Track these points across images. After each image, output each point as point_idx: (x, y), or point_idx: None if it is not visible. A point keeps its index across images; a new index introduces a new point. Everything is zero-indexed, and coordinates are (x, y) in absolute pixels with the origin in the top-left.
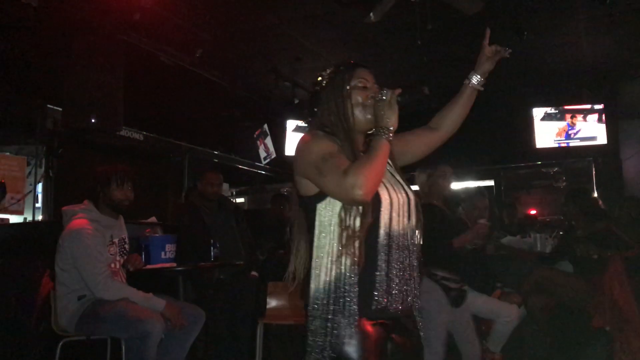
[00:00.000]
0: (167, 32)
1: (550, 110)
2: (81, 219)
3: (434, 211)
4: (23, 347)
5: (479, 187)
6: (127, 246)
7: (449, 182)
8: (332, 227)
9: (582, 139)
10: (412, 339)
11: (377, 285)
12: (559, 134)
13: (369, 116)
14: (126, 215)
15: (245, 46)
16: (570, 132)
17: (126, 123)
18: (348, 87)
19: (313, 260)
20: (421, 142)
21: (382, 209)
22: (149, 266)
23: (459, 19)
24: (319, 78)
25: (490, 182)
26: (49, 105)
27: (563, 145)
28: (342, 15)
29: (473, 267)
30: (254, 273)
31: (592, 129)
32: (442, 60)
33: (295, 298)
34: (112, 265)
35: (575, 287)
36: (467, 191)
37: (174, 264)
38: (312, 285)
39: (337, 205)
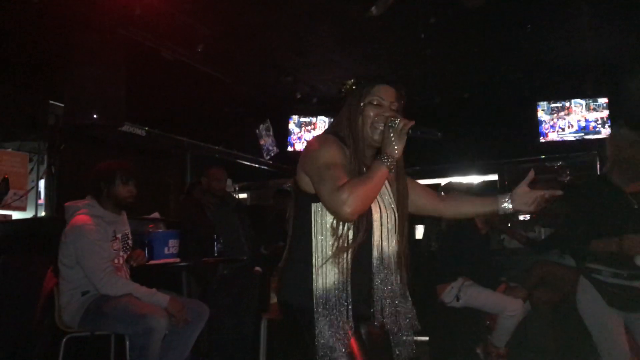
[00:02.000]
0: (168, 27)
1: (554, 104)
2: (84, 215)
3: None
4: (27, 343)
5: (484, 182)
6: (130, 242)
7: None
8: (323, 229)
9: (586, 133)
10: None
11: (371, 299)
12: (563, 128)
13: (376, 137)
14: (129, 210)
15: (247, 41)
16: (574, 125)
17: (128, 119)
18: (362, 104)
19: (313, 258)
20: (425, 202)
21: (374, 227)
22: (152, 262)
23: (461, 12)
24: (345, 86)
25: (494, 177)
26: (50, 102)
27: (567, 139)
28: (344, 10)
29: (478, 261)
30: (257, 268)
31: (596, 123)
32: (445, 54)
33: None
34: (116, 260)
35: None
36: (476, 191)
37: (178, 260)
38: (316, 284)
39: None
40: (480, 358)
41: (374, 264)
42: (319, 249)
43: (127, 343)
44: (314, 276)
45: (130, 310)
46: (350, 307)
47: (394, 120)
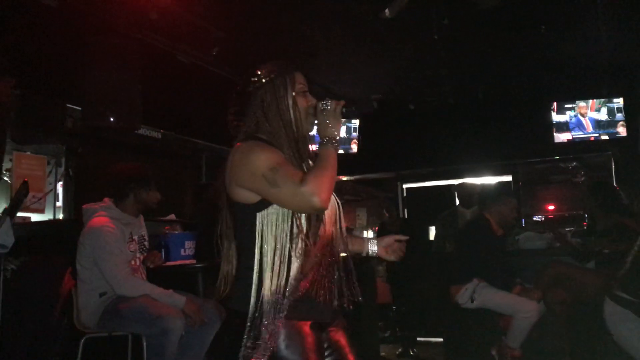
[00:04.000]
0: (183, 31)
1: (568, 104)
2: (101, 217)
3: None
4: (46, 343)
5: (500, 184)
6: (146, 243)
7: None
8: (273, 236)
9: (601, 133)
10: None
11: (320, 291)
12: (577, 129)
13: (309, 126)
14: (146, 213)
15: (261, 44)
16: (589, 126)
17: (144, 122)
18: (294, 93)
19: (255, 267)
20: None
21: (325, 219)
22: (168, 263)
23: (475, 13)
24: (254, 78)
25: (508, 178)
26: (68, 105)
27: (582, 139)
28: (358, 11)
29: (492, 263)
30: None
31: (611, 123)
32: (458, 55)
33: None
34: (132, 262)
35: (591, 282)
36: (493, 192)
37: (194, 261)
38: (260, 292)
39: (280, 214)
40: (495, 359)
41: (329, 254)
42: (265, 258)
43: (144, 344)
44: (258, 286)
45: (147, 311)
46: (308, 312)
47: (326, 103)
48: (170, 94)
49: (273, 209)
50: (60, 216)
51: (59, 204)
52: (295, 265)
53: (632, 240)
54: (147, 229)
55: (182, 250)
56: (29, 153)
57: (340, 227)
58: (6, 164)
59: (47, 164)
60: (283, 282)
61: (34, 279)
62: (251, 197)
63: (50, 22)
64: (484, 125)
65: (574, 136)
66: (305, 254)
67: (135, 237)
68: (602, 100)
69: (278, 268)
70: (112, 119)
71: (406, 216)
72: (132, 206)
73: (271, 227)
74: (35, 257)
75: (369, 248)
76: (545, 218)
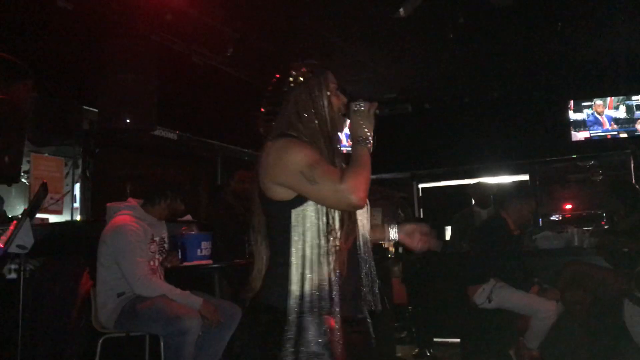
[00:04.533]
0: (198, 32)
1: (586, 102)
2: (125, 215)
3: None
4: (65, 343)
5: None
6: (166, 245)
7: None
8: (309, 232)
9: (619, 131)
10: (369, 340)
11: (356, 290)
12: (595, 127)
13: (342, 126)
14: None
15: (275, 44)
16: (606, 124)
17: (160, 123)
18: (329, 93)
19: (292, 264)
20: None
21: (358, 217)
22: (185, 263)
23: (491, 11)
24: (289, 79)
25: (525, 177)
26: (84, 107)
27: (599, 137)
28: (372, 11)
29: (510, 262)
30: None
31: (630, 120)
32: (474, 54)
33: None
34: (151, 263)
35: (610, 281)
36: (511, 192)
37: (210, 262)
38: (295, 288)
39: (315, 211)
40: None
41: (361, 252)
42: (300, 254)
43: (162, 344)
44: (295, 282)
45: (164, 312)
46: (337, 308)
47: (359, 104)
48: (185, 95)
49: (308, 206)
50: (78, 217)
51: (76, 205)
52: (330, 260)
53: None
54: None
55: (199, 251)
56: (46, 155)
57: (369, 225)
58: (24, 166)
59: (64, 166)
60: (322, 277)
61: (52, 280)
62: (286, 194)
63: (66, 24)
64: (500, 124)
65: (591, 134)
66: (339, 250)
67: (157, 239)
68: (621, 97)
69: (315, 263)
70: (128, 121)
71: (422, 216)
72: (162, 211)
73: (306, 224)
74: (53, 258)
75: (391, 235)
76: (562, 217)
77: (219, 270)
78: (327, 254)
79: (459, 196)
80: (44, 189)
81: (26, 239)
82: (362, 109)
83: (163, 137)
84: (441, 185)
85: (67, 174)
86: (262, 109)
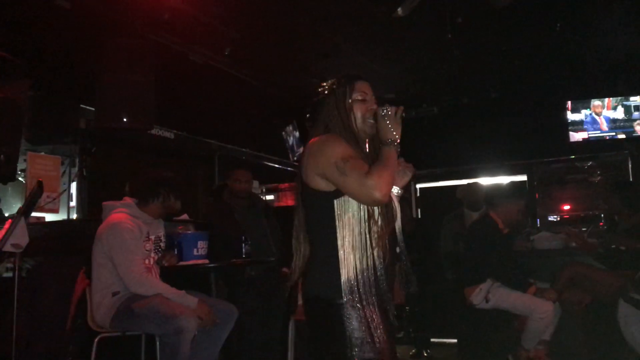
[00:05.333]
0: (196, 31)
1: (584, 103)
2: (120, 213)
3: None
4: (61, 342)
5: (512, 184)
6: (162, 244)
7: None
8: (352, 221)
9: (617, 132)
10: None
11: (397, 278)
12: (593, 127)
13: (368, 130)
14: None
15: (274, 44)
16: (605, 125)
17: (157, 122)
18: (350, 100)
19: (339, 253)
20: None
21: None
22: (181, 263)
23: (489, 11)
24: (320, 89)
25: (524, 177)
26: (81, 105)
27: (598, 138)
28: (371, 11)
29: (507, 263)
30: (285, 269)
31: (628, 121)
32: (472, 54)
33: None
34: (147, 261)
35: (608, 282)
36: (501, 192)
37: (206, 261)
38: (343, 278)
39: (354, 201)
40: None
41: (400, 244)
42: (346, 242)
43: (158, 343)
44: (342, 269)
45: (160, 311)
46: (377, 298)
47: (386, 109)
48: (183, 94)
49: (348, 197)
50: (74, 216)
51: (73, 203)
52: (374, 247)
53: None
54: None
55: (195, 250)
56: (43, 153)
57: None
58: (21, 165)
59: (61, 164)
60: (367, 264)
61: (48, 279)
62: (328, 185)
63: (64, 23)
64: (498, 125)
65: (589, 135)
66: (380, 239)
67: (152, 237)
68: (619, 98)
69: (360, 250)
70: (125, 119)
71: (419, 216)
72: (157, 210)
73: (349, 213)
74: (49, 257)
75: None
76: (560, 218)
77: (215, 270)
78: (371, 241)
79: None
80: (39, 187)
81: (21, 237)
82: (389, 113)
83: (160, 136)
84: (439, 185)
85: (64, 172)
86: (306, 116)
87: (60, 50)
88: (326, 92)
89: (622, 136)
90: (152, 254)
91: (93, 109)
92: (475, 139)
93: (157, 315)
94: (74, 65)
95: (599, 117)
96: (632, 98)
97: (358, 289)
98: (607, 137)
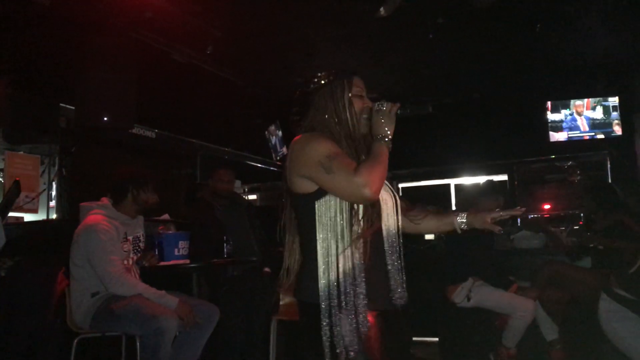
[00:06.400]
0: (178, 29)
1: (564, 103)
2: (97, 215)
3: None
4: (40, 343)
5: (490, 182)
6: (141, 244)
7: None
8: (333, 224)
9: (596, 132)
10: (402, 332)
11: (386, 282)
12: (573, 128)
13: (363, 129)
14: (146, 214)
15: (257, 43)
16: (584, 125)
17: (138, 121)
18: (350, 95)
19: (318, 256)
20: None
21: (382, 209)
22: (162, 263)
23: (470, 12)
24: (315, 79)
25: (504, 177)
26: (61, 104)
27: (577, 138)
28: (353, 11)
29: (488, 261)
30: (267, 269)
31: (607, 122)
32: (453, 55)
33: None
34: (125, 262)
35: (587, 280)
36: (479, 190)
37: (188, 261)
38: (322, 281)
39: (337, 202)
40: (491, 359)
41: (386, 245)
42: (326, 245)
43: (138, 344)
44: (321, 273)
45: (141, 311)
46: (365, 300)
47: (381, 104)
48: (165, 93)
49: (330, 197)
50: (54, 216)
51: (53, 203)
52: (354, 250)
53: (631, 239)
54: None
55: (176, 250)
56: (22, 153)
57: (398, 219)
58: None
59: (40, 164)
60: (347, 267)
61: (27, 279)
62: (310, 187)
63: (43, 21)
64: (479, 125)
65: (569, 135)
66: (362, 239)
67: (130, 237)
68: (598, 99)
69: (340, 253)
70: (106, 118)
71: None
72: (130, 207)
73: (330, 215)
74: (28, 257)
75: (459, 223)
76: (541, 217)
77: (196, 270)
78: (352, 244)
79: (439, 196)
80: (16, 187)
81: None
82: (384, 108)
83: (142, 135)
84: (421, 184)
85: (44, 172)
86: (292, 109)
87: (40, 48)
88: (321, 83)
89: (601, 136)
90: (131, 255)
91: (73, 107)
92: (457, 139)
93: (138, 316)
94: (54, 64)
95: (579, 117)
96: (610, 99)
97: (338, 293)
98: (587, 137)
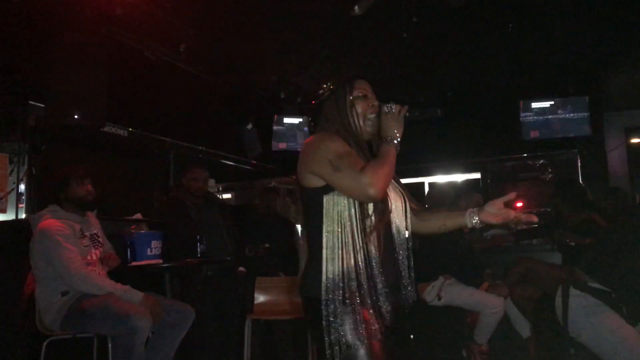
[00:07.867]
0: (150, 26)
1: (536, 102)
2: (48, 219)
3: None
4: (7, 347)
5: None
6: (100, 240)
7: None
8: (339, 218)
9: (567, 131)
10: (406, 332)
11: (394, 280)
12: (545, 127)
13: (369, 129)
14: (92, 210)
15: (231, 41)
16: (556, 124)
17: (110, 119)
18: (351, 98)
19: (323, 250)
20: None
21: (392, 210)
22: (134, 263)
23: (444, 11)
24: (321, 91)
25: (477, 175)
26: (31, 102)
27: (549, 137)
28: (327, 9)
29: (460, 259)
30: (241, 269)
31: (577, 121)
32: (427, 54)
33: (285, 293)
34: (89, 257)
35: (557, 277)
36: (463, 187)
37: (160, 261)
38: (326, 275)
39: (346, 197)
40: (463, 356)
41: (396, 242)
42: (332, 239)
43: (110, 344)
44: (326, 267)
45: (113, 311)
46: (369, 295)
47: (390, 106)
48: (137, 90)
49: (339, 192)
50: (23, 216)
51: (22, 204)
52: (361, 247)
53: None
54: (113, 229)
55: (149, 250)
56: None
57: (407, 220)
58: None
59: (9, 163)
60: (352, 263)
61: None
62: (318, 182)
63: (11, 16)
64: (453, 123)
65: (541, 134)
66: (370, 237)
67: (87, 234)
68: (569, 98)
69: (346, 249)
70: (76, 116)
71: None
72: (69, 206)
73: (338, 209)
74: None
75: (472, 220)
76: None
77: (169, 270)
78: (359, 239)
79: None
80: None
81: None
82: (392, 110)
83: (113, 133)
84: None
85: (12, 171)
86: (310, 119)
87: (7, 44)
88: (327, 93)
89: (571, 135)
90: (92, 249)
91: (43, 105)
92: (430, 137)
93: (110, 316)
94: (22, 60)
95: (552, 115)
96: (581, 98)
97: (343, 287)
98: (558, 136)
